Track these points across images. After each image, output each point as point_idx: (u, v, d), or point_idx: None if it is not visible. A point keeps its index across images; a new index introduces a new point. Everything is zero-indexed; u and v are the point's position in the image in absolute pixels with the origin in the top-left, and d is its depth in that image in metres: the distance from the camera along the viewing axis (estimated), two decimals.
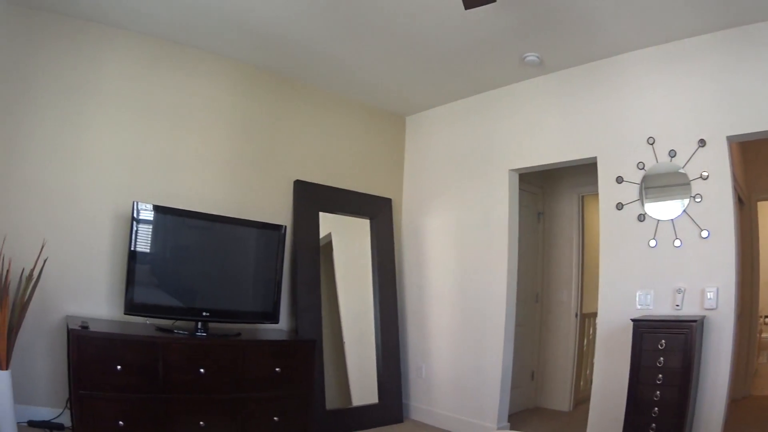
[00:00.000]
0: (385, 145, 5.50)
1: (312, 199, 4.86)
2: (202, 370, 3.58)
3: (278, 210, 4.75)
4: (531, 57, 4.13)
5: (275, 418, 3.81)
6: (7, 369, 3.36)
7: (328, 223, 4.95)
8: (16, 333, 3.47)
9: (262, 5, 3.68)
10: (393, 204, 5.37)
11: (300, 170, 4.92)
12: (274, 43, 4.24)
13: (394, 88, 4.97)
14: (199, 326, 3.86)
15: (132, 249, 3.75)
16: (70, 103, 3.99)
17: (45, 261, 3.66)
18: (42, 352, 3.79)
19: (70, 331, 3.32)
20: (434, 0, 3.41)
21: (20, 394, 3.55)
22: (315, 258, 4.77)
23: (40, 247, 3.69)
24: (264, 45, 4.29)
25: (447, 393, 4.88)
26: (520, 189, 4.80)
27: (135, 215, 3.78)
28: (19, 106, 3.83)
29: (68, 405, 3.72)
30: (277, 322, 4.30)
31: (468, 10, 3.13)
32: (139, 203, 3.83)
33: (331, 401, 4.60)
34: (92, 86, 4.06)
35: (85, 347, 3.29)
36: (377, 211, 5.23)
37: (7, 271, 3.49)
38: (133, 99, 4.21)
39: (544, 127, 4.48)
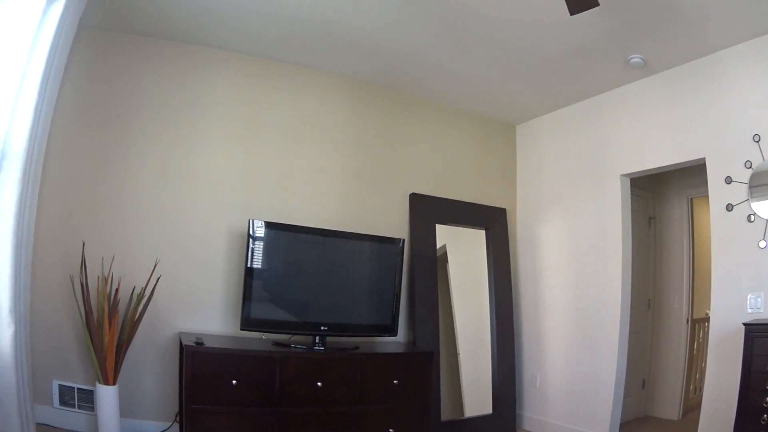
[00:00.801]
0: (497, 154, 5.45)
1: (428, 211, 4.83)
2: (319, 384, 3.58)
3: (394, 223, 4.74)
4: (635, 59, 4.01)
5: (391, 430, 3.78)
6: (114, 384, 3.49)
7: (443, 234, 4.91)
8: (126, 350, 3.58)
9: (369, 20, 3.69)
10: (507, 213, 5.32)
11: (415, 183, 4.90)
12: (382, 57, 4.24)
13: (503, 96, 4.91)
14: (317, 340, 3.86)
15: (248, 266, 3.78)
16: (180, 125, 4.12)
17: (158, 279, 3.76)
18: (151, 367, 3.88)
19: (184, 347, 3.38)
20: (538, 7, 3.37)
21: (128, 409, 3.67)
22: (432, 270, 4.73)
23: (153, 266, 3.78)
24: (372, 59, 4.30)
25: (560, 402, 4.79)
26: (630, 194, 4.67)
27: (251, 232, 3.81)
28: (129, 131, 4.00)
29: (177, 419, 3.85)
30: (395, 335, 4.27)
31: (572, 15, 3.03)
32: (255, 220, 3.85)
33: (445, 412, 4.55)
34: (202, 108, 4.18)
35: (199, 362, 3.35)
36: (492, 222, 5.17)
37: (116, 290, 3.56)
38: (244, 118, 4.30)
39: (651, 129, 4.34)
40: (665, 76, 4.27)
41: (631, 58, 4.03)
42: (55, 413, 3.63)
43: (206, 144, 4.17)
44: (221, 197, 4.16)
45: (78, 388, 3.69)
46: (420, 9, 3.52)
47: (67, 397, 3.67)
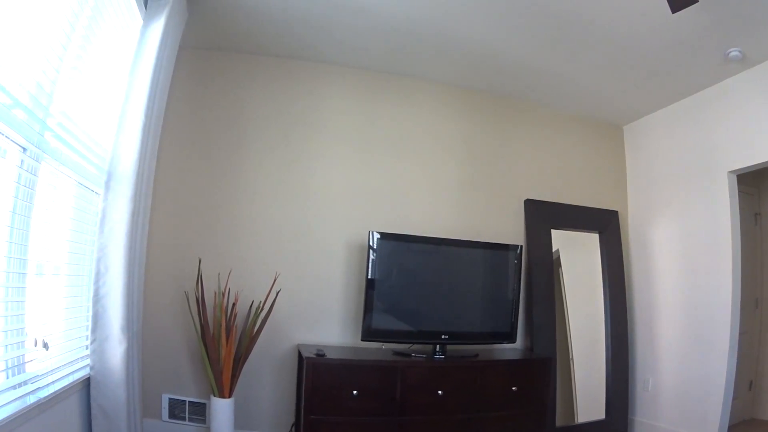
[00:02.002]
0: (606, 156, 5.13)
1: (542, 216, 4.67)
2: (440, 392, 3.50)
3: (509, 230, 4.56)
4: (734, 52, 3.70)
5: None
6: (230, 397, 3.47)
7: (555, 239, 4.72)
8: (243, 363, 3.55)
9: (475, 28, 3.60)
10: (619, 216, 5.00)
11: (529, 189, 4.71)
12: (490, 64, 4.12)
13: (609, 98, 4.65)
14: (437, 349, 3.79)
15: (369, 277, 3.74)
16: (292, 141, 4.12)
17: (278, 293, 3.72)
18: (267, 379, 3.86)
19: (305, 359, 3.35)
20: (638, 6, 3.21)
21: (242, 421, 3.66)
22: (549, 276, 4.58)
23: (273, 280, 3.76)
24: (480, 67, 4.19)
25: (670, 406, 4.45)
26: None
27: (370, 244, 3.76)
28: (239, 148, 4.04)
29: (292, 430, 3.81)
30: (514, 342, 4.12)
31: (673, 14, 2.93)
32: (374, 232, 3.79)
33: (558, 418, 4.35)
34: (313, 122, 4.17)
35: (320, 373, 3.33)
36: (605, 225, 4.91)
37: (233, 304, 3.55)
38: (356, 131, 4.26)
39: (756, 123, 3.92)
40: (765, 67, 3.85)
41: (730, 52, 3.73)
42: (163, 426, 3.67)
43: (320, 158, 4.15)
44: (337, 210, 4.12)
45: (189, 401, 3.72)
46: (524, 15, 3.43)
47: (177, 410, 3.70)
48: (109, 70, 2.75)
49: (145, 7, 3.01)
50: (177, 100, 3.80)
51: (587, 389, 4.60)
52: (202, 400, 3.71)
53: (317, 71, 4.24)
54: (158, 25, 2.89)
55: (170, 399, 3.71)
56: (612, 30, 3.52)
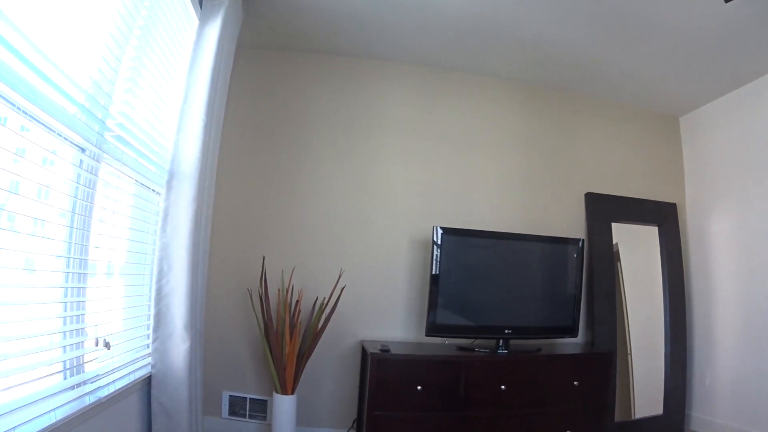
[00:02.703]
0: (663, 147, 4.86)
1: (603, 210, 4.52)
2: (503, 387, 3.46)
3: (570, 224, 4.40)
4: None
5: None
6: (292, 394, 3.44)
7: (614, 232, 4.56)
8: (306, 359, 3.52)
9: (535, 23, 3.51)
10: (677, 208, 4.75)
11: (589, 182, 4.52)
12: (549, 58, 4.00)
13: (666, 88, 4.42)
14: (500, 344, 3.72)
15: (434, 273, 3.67)
16: (354, 138, 4.08)
17: (342, 289, 3.66)
18: (329, 375, 3.82)
19: (369, 354, 3.34)
20: None
21: (303, 417, 3.66)
22: (610, 269, 4.42)
23: (338, 277, 3.73)
24: (539, 61, 4.07)
25: (728, 402, 4.23)
26: None
27: (435, 239, 3.69)
28: (300, 146, 4.00)
29: (353, 425, 3.78)
30: (576, 336, 4.00)
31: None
32: (438, 227, 3.71)
33: (616, 413, 4.20)
34: (374, 119, 4.11)
35: (384, 369, 3.31)
36: (664, 218, 4.69)
37: (297, 301, 3.51)
38: (417, 127, 4.19)
39: None
40: None
41: None
42: (224, 423, 3.68)
43: (381, 154, 4.10)
44: (400, 205, 4.06)
45: (250, 398, 3.71)
46: (582, 7, 3.32)
47: (237, 407, 3.70)
48: (167, 70, 2.72)
49: (201, 7, 2.98)
50: (237, 99, 3.82)
51: (645, 384, 4.46)
52: (263, 397, 3.70)
53: (376, 68, 4.18)
54: (215, 25, 2.85)
55: (231, 396, 3.71)
56: (669, 20, 3.36)
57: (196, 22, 2.96)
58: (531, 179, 4.38)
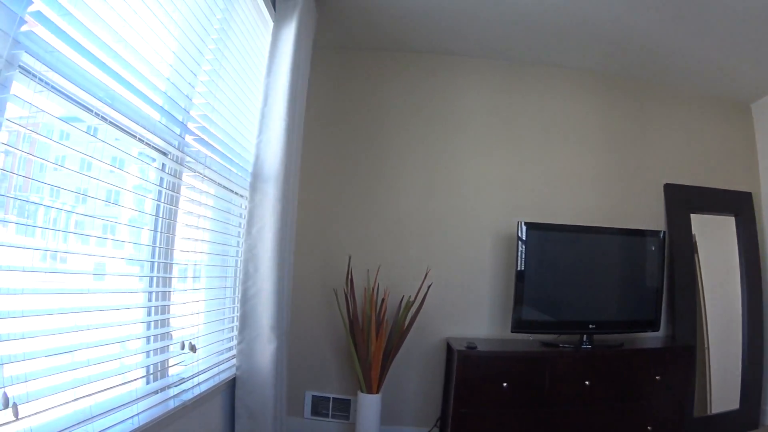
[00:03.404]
0: (736, 135, 4.50)
1: (681, 200, 4.28)
2: (587, 383, 3.36)
3: (648, 216, 4.15)
4: None
5: (649, 428, 3.44)
6: (377, 393, 3.41)
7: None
8: (392, 359, 3.47)
9: (609, 12, 3.34)
10: (752, 197, 4.40)
11: (667, 173, 4.25)
12: (624, 48, 3.81)
13: (737, 74, 4.10)
14: (584, 339, 3.61)
15: (519, 269, 3.56)
16: (434, 135, 4.02)
17: (429, 287, 3.60)
18: (414, 374, 3.76)
19: (456, 352, 3.29)
20: None
21: (386, 415, 3.58)
22: (690, 261, 4.19)
23: (423, 274, 3.68)
24: (614, 52, 3.89)
25: None
26: None
27: (519, 235, 3.58)
28: (381, 145, 3.94)
29: (437, 423, 3.69)
30: (658, 330, 3.83)
31: None
32: (523, 222, 3.60)
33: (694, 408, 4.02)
34: (454, 116, 4.03)
35: (471, 366, 3.26)
36: (740, 207, 4.39)
37: (383, 300, 3.44)
38: (497, 122, 4.08)
39: None
40: None
41: None
42: (306, 423, 3.68)
43: (462, 150, 4.00)
44: (483, 202, 3.95)
45: (333, 398, 3.68)
46: None
47: (320, 407, 3.69)
48: (245, 72, 2.69)
49: (274, 9, 2.92)
50: (316, 99, 3.78)
51: (721, 378, 4.25)
52: (346, 397, 3.67)
53: (452, 64, 4.07)
54: (290, 26, 2.78)
55: (313, 396, 3.70)
56: (740, 3, 3.12)
57: (271, 23, 2.91)
58: (608, 171, 4.17)
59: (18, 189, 1.35)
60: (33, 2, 1.22)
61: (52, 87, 1.33)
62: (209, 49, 2.25)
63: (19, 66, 1.21)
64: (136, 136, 1.75)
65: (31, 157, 1.31)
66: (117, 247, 1.80)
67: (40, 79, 1.27)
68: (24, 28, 1.20)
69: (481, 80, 4.07)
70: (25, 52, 1.21)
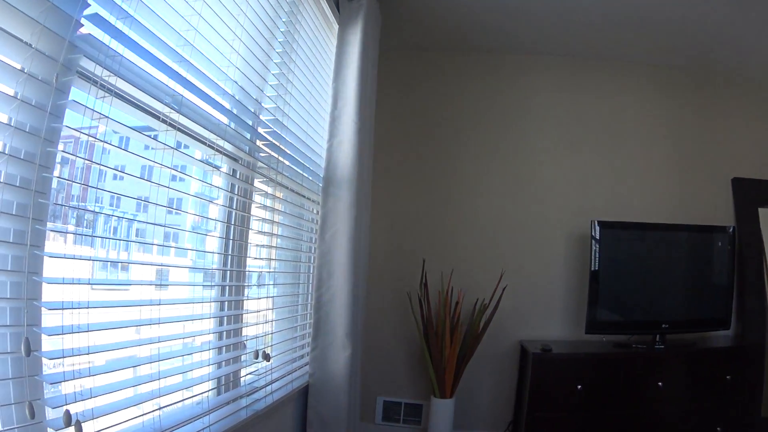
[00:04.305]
0: None
1: (750, 195, 3.96)
2: (660, 384, 3.15)
3: (715, 211, 3.83)
4: None
5: (718, 429, 3.22)
6: (451, 397, 3.27)
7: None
8: (467, 362, 3.33)
9: (676, 4, 3.10)
10: None
11: (735, 167, 3.90)
12: (693, 41, 3.55)
13: None
14: (657, 339, 3.41)
15: (593, 268, 3.38)
16: (506, 135, 3.81)
17: (504, 289, 3.42)
18: (486, 377, 3.60)
19: (531, 354, 3.16)
20: None
21: (459, 420, 3.44)
22: (759, 258, 3.86)
23: (497, 276, 3.47)
24: (683, 45, 3.62)
25: None
26: None
27: (593, 234, 3.40)
28: (453, 147, 3.78)
29: (509, 428, 3.54)
30: (728, 328, 3.59)
31: None
32: (596, 221, 3.41)
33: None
34: (523, 114, 3.88)
35: (545, 369, 3.15)
36: None
37: (457, 303, 3.28)
38: (566, 120, 3.85)
39: None
40: None
41: None
42: (377, 429, 3.58)
43: (533, 149, 3.80)
44: (554, 201, 3.75)
45: (405, 403, 3.58)
46: None
47: (391, 412, 3.59)
48: (313, 75, 2.58)
49: (338, 10, 2.81)
50: (385, 101, 3.65)
51: None
52: (418, 402, 3.55)
53: (520, 62, 3.87)
54: (356, 28, 2.65)
55: (385, 401, 3.59)
56: None
57: (336, 26, 2.80)
58: (675, 166, 3.87)
59: (78, 198, 1.29)
60: (89, 5, 1.14)
61: (116, 93, 1.25)
62: (276, 52, 2.16)
63: (78, 71, 1.14)
64: (205, 142, 1.68)
65: (101, 167, 1.23)
66: (181, 255, 1.73)
67: (102, 85, 1.19)
68: (82, 30, 1.13)
69: (546, 78, 3.87)
70: (84, 56, 1.14)
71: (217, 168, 1.80)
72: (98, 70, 1.18)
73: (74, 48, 1.11)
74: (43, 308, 1.07)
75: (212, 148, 1.72)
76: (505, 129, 3.80)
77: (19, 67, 1.01)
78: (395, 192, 3.74)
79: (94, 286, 1.17)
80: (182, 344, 1.61)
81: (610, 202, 3.75)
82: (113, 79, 1.23)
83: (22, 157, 1.03)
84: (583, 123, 3.84)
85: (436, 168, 3.77)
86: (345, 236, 2.54)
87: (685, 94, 3.95)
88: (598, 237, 3.38)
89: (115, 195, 1.30)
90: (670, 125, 3.91)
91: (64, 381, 1.09)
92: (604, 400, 3.12)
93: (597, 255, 3.37)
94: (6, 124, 1.01)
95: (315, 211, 2.68)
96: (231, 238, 1.93)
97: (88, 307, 1.15)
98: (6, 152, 1.00)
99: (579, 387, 3.06)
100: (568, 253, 3.68)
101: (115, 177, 1.35)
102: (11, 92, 1.02)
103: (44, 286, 1.08)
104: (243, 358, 1.94)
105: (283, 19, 2.22)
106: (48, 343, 1.09)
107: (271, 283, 2.31)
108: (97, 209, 1.28)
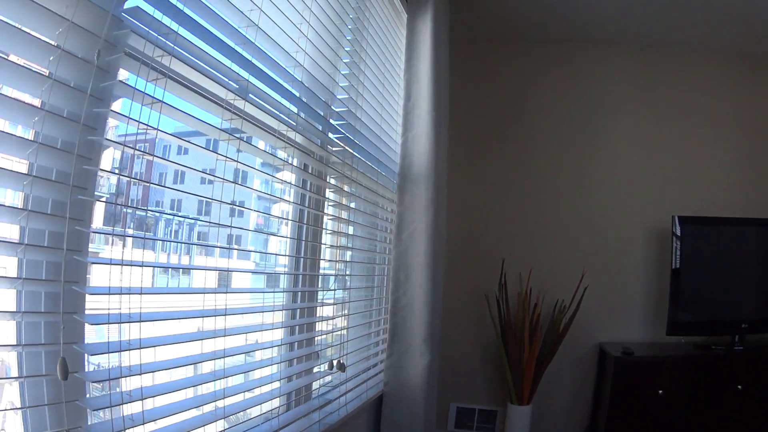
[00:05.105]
0: None
1: None
2: (739, 387, 2.89)
3: None
4: None
5: None
6: (528, 404, 3.07)
7: None
8: (546, 366, 3.12)
9: None
10: None
11: None
12: (765, 26, 3.16)
13: None
14: (736, 339, 3.12)
15: (674, 267, 3.12)
16: (585, 128, 3.53)
17: (585, 290, 3.14)
18: (563, 382, 3.35)
19: (612, 358, 2.95)
20: None
21: (534, 425, 3.20)
22: None
23: (578, 276, 3.18)
24: (756, 32, 3.26)
25: None
26: None
27: (674, 230, 3.14)
28: (531, 142, 3.54)
29: None
30: None
31: None
32: (677, 217, 3.12)
33: None
34: (602, 107, 3.56)
35: (627, 374, 2.93)
36: None
37: (536, 304, 3.00)
38: (644, 111, 3.53)
39: None
40: None
41: None
42: None
43: (610, 144, 3.51)
44: (631, 197, 3.47)
45: (479, 410, 3.36)
46: None
47: (464, 419, 3.38)
48: (384, 67, 2.37)
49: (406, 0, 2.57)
50: (459, 95, 3.39)
51: None
52: (492, 408, 3.34)
53: (593, 51, 3.56)
54: (426, 18, 2.40)
55: (458, 408, 3.37)
56: None
57: (405, 15, 2.56)
58: (755, 158, 3.51)
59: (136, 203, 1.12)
60: None
61: (170, 76, 1.06)
62: (346, 39, 1.96)
63: (126, 51, 0.96)
64: (274, 134, 1.49)
65: (161, 161, 1.06)
66: (243, 258, 1.55)
67: (153, 67, 1.01)
68: (128, 4, 0.95)
69: (623, 68, 3.54)
70: (133, 32, 0.96)
71: (290, 163, 1.61)
72: (149, 49, 0.99)
73: (120, 22, 0.94)
74: (86, 323, 0.90)
75: (281, 140, 1.52)
76: (581, 122, 3.51)
77: (53, 43, 0.84)
78: (471, 188, 3.49)
79: (146, 296, 0.99)
80: (245, 357, 1.42)
81: (688, 197, 3.45)
82: (167, 60, 1.04)
83: (59, 147, 0.86)
84: (660, 115, 3.52)
85: (511, 164, 3.51)
86: (423, 235, 2.32)
87: (763, 82, 3.54)
88: (679, 233, 3.13)
89: (180, 193, 1.12)
90: (750, 116, 3.52)
91: (111, 406, 0.91)
92: (687, 406, 2.89)
93: (678, 252, 3.12)
94: (37, 107, 0.83)
95: (390, 210, 2.46)
96: (303, 239, 1.74)
97: (140, 321, 0.97)
98: (39, 141, 0.82)
99: (660, 392, 2.83)
100: (648, 249, 3.41)
101: (175, 177, 1.18)
102: (45, 72, 0.85)
103: (87, 296, 0.90)
104: (316, 369, 1.74)
105: (352, 5, 2.01)
106: (92, 363, 0.91)
107: (348, 287, 2.10)
108: (150, 212, 1.11)
